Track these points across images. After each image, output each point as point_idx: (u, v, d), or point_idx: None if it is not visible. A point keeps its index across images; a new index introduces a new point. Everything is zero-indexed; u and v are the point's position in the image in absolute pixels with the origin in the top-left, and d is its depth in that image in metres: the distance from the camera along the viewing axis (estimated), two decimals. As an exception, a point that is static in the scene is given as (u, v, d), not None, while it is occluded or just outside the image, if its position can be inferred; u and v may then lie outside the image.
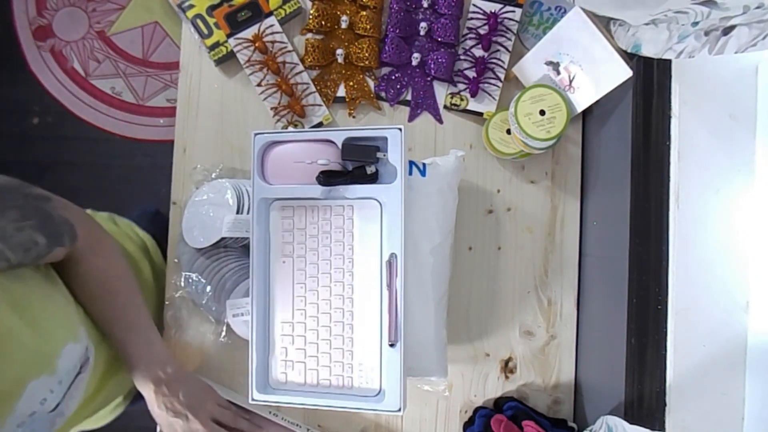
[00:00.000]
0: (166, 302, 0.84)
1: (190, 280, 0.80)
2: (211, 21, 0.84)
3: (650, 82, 0.66)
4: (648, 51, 0.64)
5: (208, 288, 0.79)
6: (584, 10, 0.72)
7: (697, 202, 0.63)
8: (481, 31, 0.82)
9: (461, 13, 0.83)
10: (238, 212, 0.77)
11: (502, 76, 0.83)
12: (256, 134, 0.71)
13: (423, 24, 0.83)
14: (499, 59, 0.83)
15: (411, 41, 0.85)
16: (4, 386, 0.53)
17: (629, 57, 0.70)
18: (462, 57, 0.84)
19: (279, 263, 0.72)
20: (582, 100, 0.76)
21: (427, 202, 0.73)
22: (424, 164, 0.74)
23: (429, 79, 0.85)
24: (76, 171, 1.88)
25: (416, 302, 0.71)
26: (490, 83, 0.84)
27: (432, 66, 0.84)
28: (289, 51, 0.84)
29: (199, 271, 0.79)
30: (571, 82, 0.76)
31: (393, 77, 0.86)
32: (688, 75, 0.64)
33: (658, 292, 0.63)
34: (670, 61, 0.64)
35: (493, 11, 0.81)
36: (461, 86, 0.85)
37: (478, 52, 0.83)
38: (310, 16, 0.83)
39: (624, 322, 0.65)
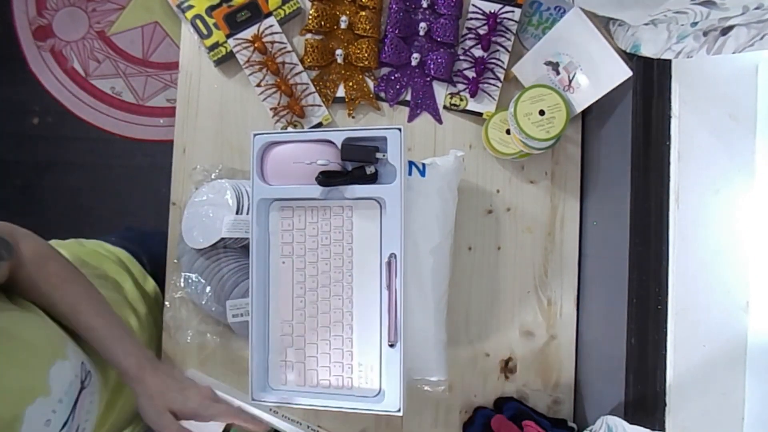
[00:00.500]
0: (166, 303, 0.84)
1: (190, 281, 0.80)
2: (210, 21, 0.84)
3: (650, 82, 0.66)
4: (647, 51, 0.64)
5: (208, 288, 0.79)
6: (584, 10, 0.71)
7: (697, 202, 0.63)
8: (481, 32, 0.82)
9: (460, 13, 0.83)
10: (237, 213, 0.77)
11: (501, 77, 0.83)
12: (255, 134, 0.71)
13: (422, 24, 0.83)
14: (498, 59, 0.83)
15: (410, 41, 0.85)
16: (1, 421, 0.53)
17: (629, 57, 0.70)
18: (461, 57, 0.84)
19: (278, 263, 0.72)
20: (581, 100, 0.76)
21: (426, 203, 0.73)
22: (423, 164, 0.74)
23: (428, 79, 0.85)
24: (76, 171, 1.88)
25: (416, 302, 0.71)
26: (490, 83, 0.84)
27: (431, 66, 0.83)
28: (289, 51, 0.84)
29: (199, 272, 0.79)
30: (570, 82, 0.76)
31: (392, 77, 0.86)
32: (688, 75, 0.64)
33: (658, 292, 0.63)
34: (669, 61, 0.64)
35: (492, 11, 0.81)
36: (461, 86, 0.85)
37: (478, 52, 0.83)
38: (310, 17, 0.83)
39: (624, 322, 0.65)
